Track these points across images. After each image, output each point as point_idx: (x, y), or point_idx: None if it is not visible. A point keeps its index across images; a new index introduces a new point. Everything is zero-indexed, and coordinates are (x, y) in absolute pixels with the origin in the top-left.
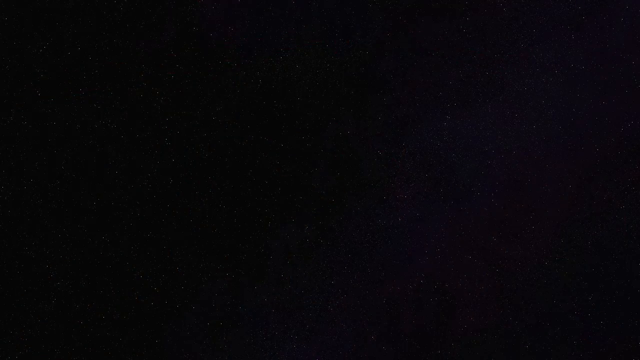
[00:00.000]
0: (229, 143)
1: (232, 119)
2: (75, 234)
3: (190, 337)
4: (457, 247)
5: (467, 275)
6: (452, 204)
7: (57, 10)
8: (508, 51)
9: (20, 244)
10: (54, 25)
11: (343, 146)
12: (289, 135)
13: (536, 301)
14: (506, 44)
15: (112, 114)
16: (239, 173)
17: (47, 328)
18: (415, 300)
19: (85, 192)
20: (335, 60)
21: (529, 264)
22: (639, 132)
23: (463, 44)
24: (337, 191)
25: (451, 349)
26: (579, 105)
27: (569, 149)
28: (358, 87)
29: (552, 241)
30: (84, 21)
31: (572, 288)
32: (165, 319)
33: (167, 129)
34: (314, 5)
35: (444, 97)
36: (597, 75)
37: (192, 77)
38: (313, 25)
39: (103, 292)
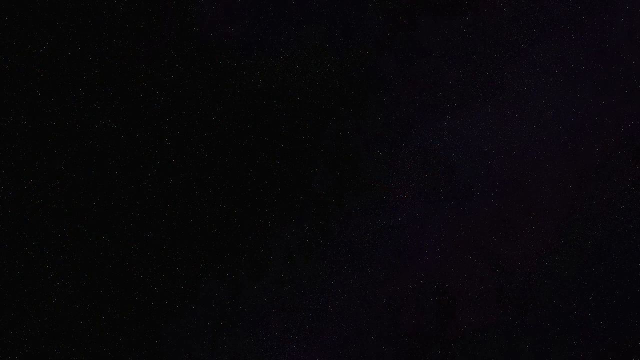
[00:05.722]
0: (228, 143)
1: (231, 119)
2: (76, 234)
3: (190, 337)
4: (457, 247)
5: (467, 275)
6: (452, 204)
7: (58, 9)
8: (508, 51)
9: (20, 244)
10: (54, 25)
11: (343, 146)
12: (289, 135)
13: (536, 301)
14: (506, 43)
15: (112, 114)
16: (239, 173)
17: (48, 328)
18: (415, 300)
19: (85, 192)
20: (335, 60)
21: (529, 264)
22: (639, 132)
23: (463, 44)
24: (337, 191)
25: (451, 349)
26: (579, 105)
27: (569, 148)
28: (358, 87)
29: (552, 241)
30: (85, 21)
31: (572, 288)
32: (165, 319)
33: (167, 129)
34: (314, 5)
35: (444, 97)
36: (597, 75)
37: (192, 77)
38: (313, 25)
39: (103, 293)
